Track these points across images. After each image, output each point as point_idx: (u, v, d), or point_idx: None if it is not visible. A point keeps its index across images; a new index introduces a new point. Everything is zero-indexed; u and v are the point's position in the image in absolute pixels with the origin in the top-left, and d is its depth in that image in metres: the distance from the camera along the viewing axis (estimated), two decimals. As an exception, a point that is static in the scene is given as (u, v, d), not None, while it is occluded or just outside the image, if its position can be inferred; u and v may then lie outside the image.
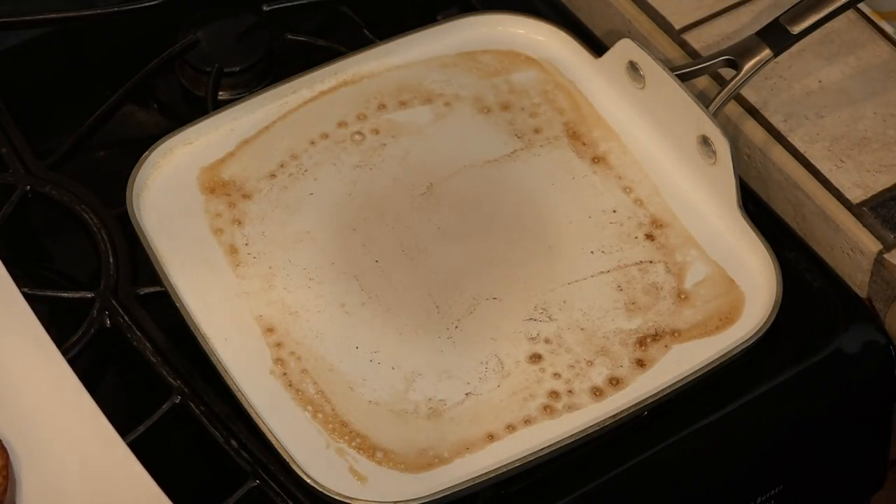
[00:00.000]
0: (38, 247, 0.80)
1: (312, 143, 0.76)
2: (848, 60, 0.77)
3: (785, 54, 0.73)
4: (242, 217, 0.73)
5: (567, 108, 0.78)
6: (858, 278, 0.72)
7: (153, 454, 0.65)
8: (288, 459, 0.64)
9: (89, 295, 0.71)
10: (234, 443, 0.66)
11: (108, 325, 0.70)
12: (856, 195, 0.72)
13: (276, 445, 0.65)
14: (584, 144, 0.76)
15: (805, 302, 0.72)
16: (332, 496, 0.63)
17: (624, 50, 0.75)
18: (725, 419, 0.69)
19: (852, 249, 0.72)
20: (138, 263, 0.72)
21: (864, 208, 0.71)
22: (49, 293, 0.72)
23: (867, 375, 0.72)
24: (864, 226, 0.71)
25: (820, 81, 0.76)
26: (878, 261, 0.71)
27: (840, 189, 0.72)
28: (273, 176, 0.75)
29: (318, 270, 0.71)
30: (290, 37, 0.82)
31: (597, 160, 0.76)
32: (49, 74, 0.84)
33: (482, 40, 0.80)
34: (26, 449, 0.65)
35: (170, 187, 0.74)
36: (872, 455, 0.75)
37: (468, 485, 0.64)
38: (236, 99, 0.77)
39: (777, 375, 0.70)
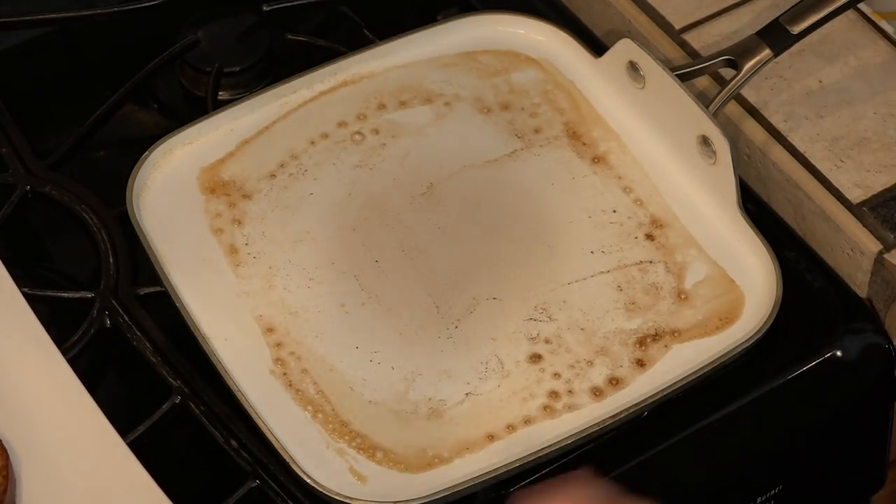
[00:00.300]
0: (38, 247, 0.78)
1: (312, 143, 0.75)
2: (848, 60, 0.75)
3: (785, 54, 0.71)
4: (242, 217, 0.72)
5: (567, 107, 0.76)
6: (858, 278, 0.70)
7: (153, 454, 0.64)
8: (288, 459, 0.63)
9: (89, 295, 0.69)
10: (233, 443, 0.65)
11: (108, 325, 0.69)
12: (856, 195, 0.70)
13: (276, 445, 0.63)
14: (584, 144, 0.75)
15: (805, 302, 0.70)
16: (332, 496, 0.62)
17: (624, 50, 0.74)
18: (725, 419, 0.67)
19: (852, 249, 0.70)
20: (138, 263, 0.71)
21: (865, 208, 0.70)
22: (49, 293, 0.71)
23: (867, 376, 0.70)
24: (865, 226, 0.70)
25: (820, 81, 0.74)
26: (879, 261, 0.69)
27: (840, 189, 0.71)
28: (273, 176, 0.73)
29: (318, 270, 0.70)
30: (290, 37, 0.81)
31: (597, 160, 0.75)
32: (49, 74, 0.82)
33: (482, 40, 0.78)
34: (26, 449, 0.64)
35: (170, 187, 0.72)
36: (872, 455, 0.73)
37: (468, 485, 0.63)
38: (236, 99, 0.76)
39: (777, 376, 0.68)
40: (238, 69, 0.79)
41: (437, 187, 0.73)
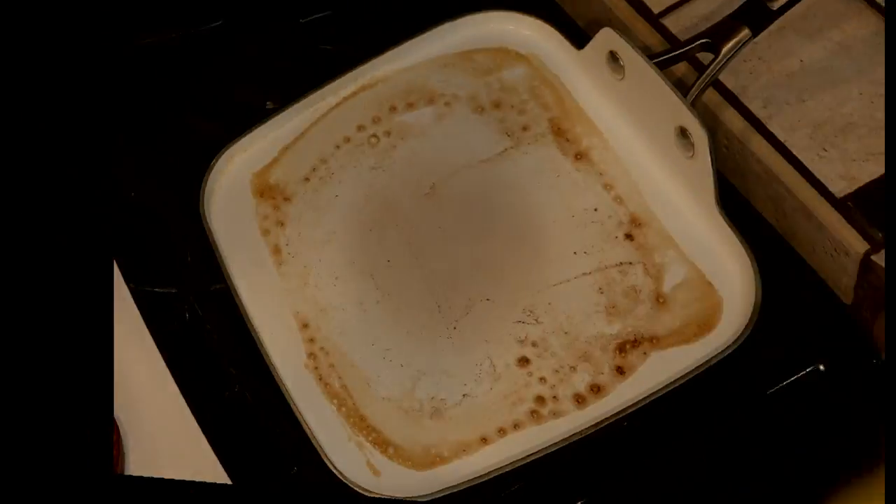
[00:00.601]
0: (130, 247, 0.81)
1: (337, 146, 0.72)
2: (831, 35, 0.62)
3: (765, 33, 0.60)
4: (284, 218, 0.70)
5: (552, 103, 0.69)
6: (843, 283, 0.59)
7: (222, 434, 0.65)
8: (320, 451, 0.62)
9: (173, 290, 0.71)
10: (278, 430, 0.65)
11: (186, 319, 0.70)
12: (840, 188, 0.58)
13: (311, 437, 0.62)
14: (568, 140, 0.67)
15: (786, 310, 0.60)
16: (356, 489, 0.61)
17: (605, 40, 0.65)
18: (704, 432, 0.60)
19: (836, 250, 0.59)
20: (210, 262, 0.71)
21: (850, 203, 0.58)
22: (146, 288, 0.72)
23: (852, 393, 0.60)
24: (850, 223, 0.58)
25: (801, 61, 0.62)
26: (865, 263, 0.57)
27: (823, 181, 0.59)
28: (307, 179, 0.71)
29: (342, 269, 0.68)
30: (321, 46, 0.78)
31: (579, 156, 0.67)
32: (131, 94, 0.83)
33: (477, 38, 0.72)
34: (131, 426, 0.68)
35: (230, 192, 0.72)
36: (857, 474, 0.62)
37: (461, 487, 0.59)
38: (280, 108, 0.74)
39: (758, 390, 0.60)
40: (280, 79, 0.77)
41: (439, 188, 0.69)
